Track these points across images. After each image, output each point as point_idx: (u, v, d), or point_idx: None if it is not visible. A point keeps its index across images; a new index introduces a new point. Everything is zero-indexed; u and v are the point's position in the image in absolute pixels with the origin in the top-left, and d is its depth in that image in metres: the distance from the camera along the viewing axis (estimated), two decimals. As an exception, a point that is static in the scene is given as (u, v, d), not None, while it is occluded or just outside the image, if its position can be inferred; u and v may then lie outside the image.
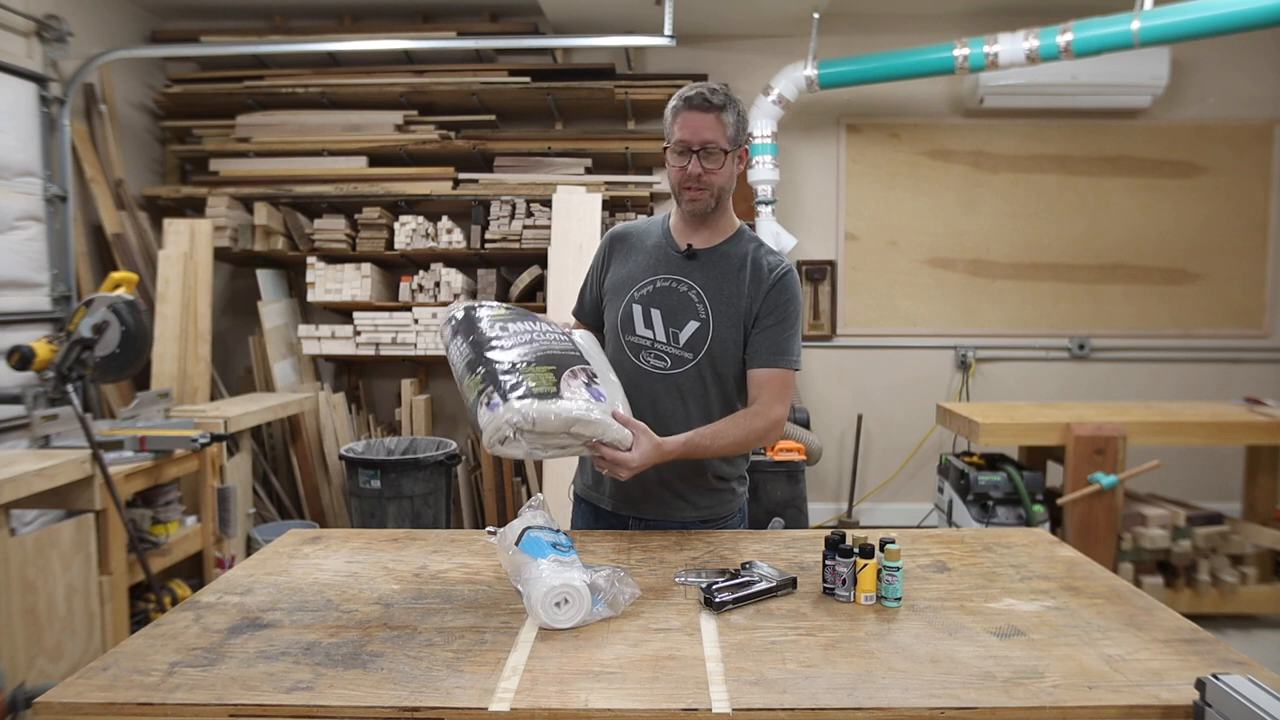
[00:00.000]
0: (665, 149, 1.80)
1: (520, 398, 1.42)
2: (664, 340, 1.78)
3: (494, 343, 1.54)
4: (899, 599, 1.42)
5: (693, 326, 1.77)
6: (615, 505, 1.86)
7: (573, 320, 1.99)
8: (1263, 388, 4.63)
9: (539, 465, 4.22)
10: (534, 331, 1.60)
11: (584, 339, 1.73)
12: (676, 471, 1.80)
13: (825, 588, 1.47)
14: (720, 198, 1.78)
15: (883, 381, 4.92)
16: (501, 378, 1.46)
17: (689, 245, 1.81)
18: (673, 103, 1.76)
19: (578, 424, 1.44)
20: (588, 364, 1.58)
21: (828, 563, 1.47)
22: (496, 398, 1.42)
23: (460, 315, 1.67)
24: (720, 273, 1.79)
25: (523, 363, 1.49)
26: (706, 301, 1.77)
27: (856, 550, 1.44)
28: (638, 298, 1.81)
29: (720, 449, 1.71)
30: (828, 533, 1.51)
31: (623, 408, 1.57)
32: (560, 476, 3.73)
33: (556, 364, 1.51)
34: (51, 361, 2.78)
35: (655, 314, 1.79)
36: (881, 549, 1.44)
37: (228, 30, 4.64)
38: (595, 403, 1.49)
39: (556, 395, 1.44)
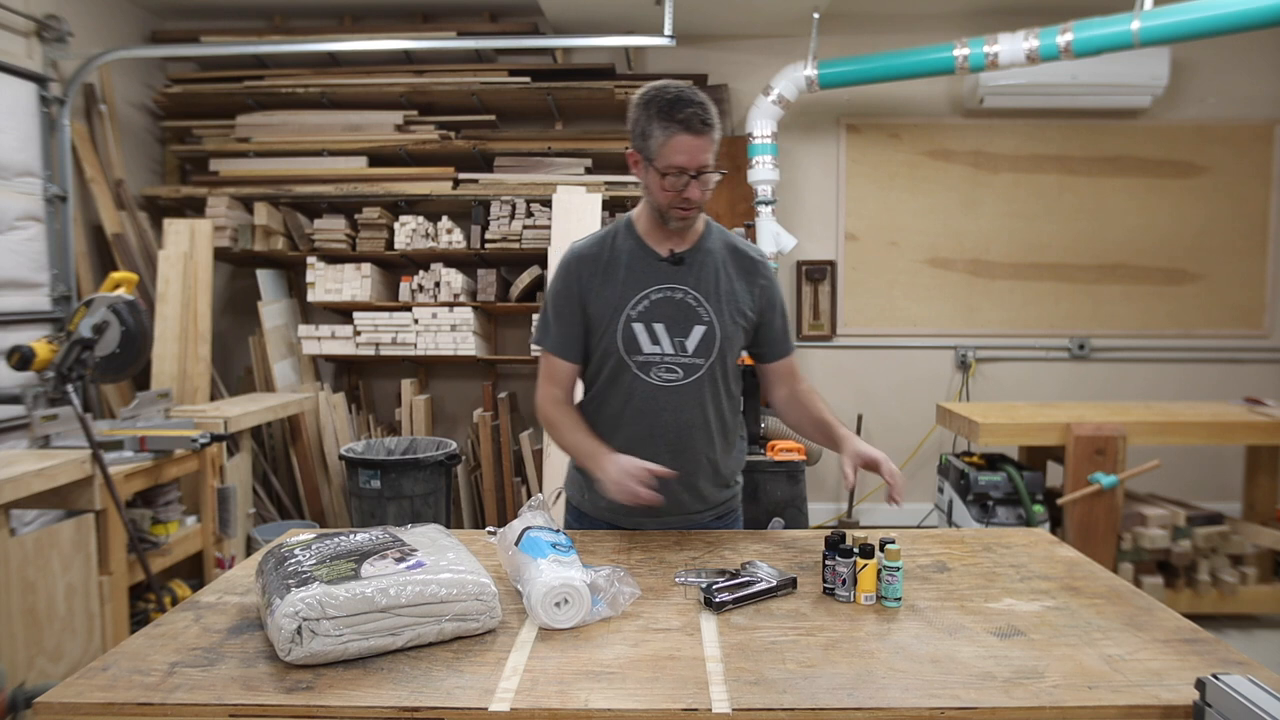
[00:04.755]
0: (644, 162, 1.67)
1: (303, 588, 1.23)
2: (672, 351, 1.75)
3: (286, 564, 1.34)
4: (899, 599, 1.42)
5: (699, 331, 1.75)
6: (637, 523, 1.84)
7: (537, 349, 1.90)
8: (1263, 388, 4.63)
9: (539, 465, 4.21)
10: (339, 542, 1.41)
11: (425, 531, 1.52)
12: (705, 475, 1.83)
13: (825, 588, 1.47)
14: (702, 209, 1.76)
15: (883, 381, 4.92)
16: (285, 583, 1.27)
17: (672, 251, 1.77)
18: (656, 120, 1.62)
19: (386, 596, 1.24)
20: (406, 544, 1.40)
21: (828, 563, 1.47)
22: (276, 600, 1.23)
23: (260, 560, 1.45)
24: (709, 272, 1.78)
25: (318, 564, 1.32)
26: (707, 305, 1.76)
27: (856, 550, 1.44)
28: (635, 315, 1.74)
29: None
30: (828, 533, 1.52)
31: (464, 566, 1.35)
32: (560, 476, 3.72)
33: (360, 555, 1.34)
34: (51, 361, 2.78)
35: (659, 328, 1.75)
36: (881, 549, 1.44)
37: (228, 30, 4.64)
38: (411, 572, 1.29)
39: (353, 577, 1.26)
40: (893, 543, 1.43)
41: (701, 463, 1.80)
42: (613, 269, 1.77)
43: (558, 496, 2.04)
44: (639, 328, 1.75)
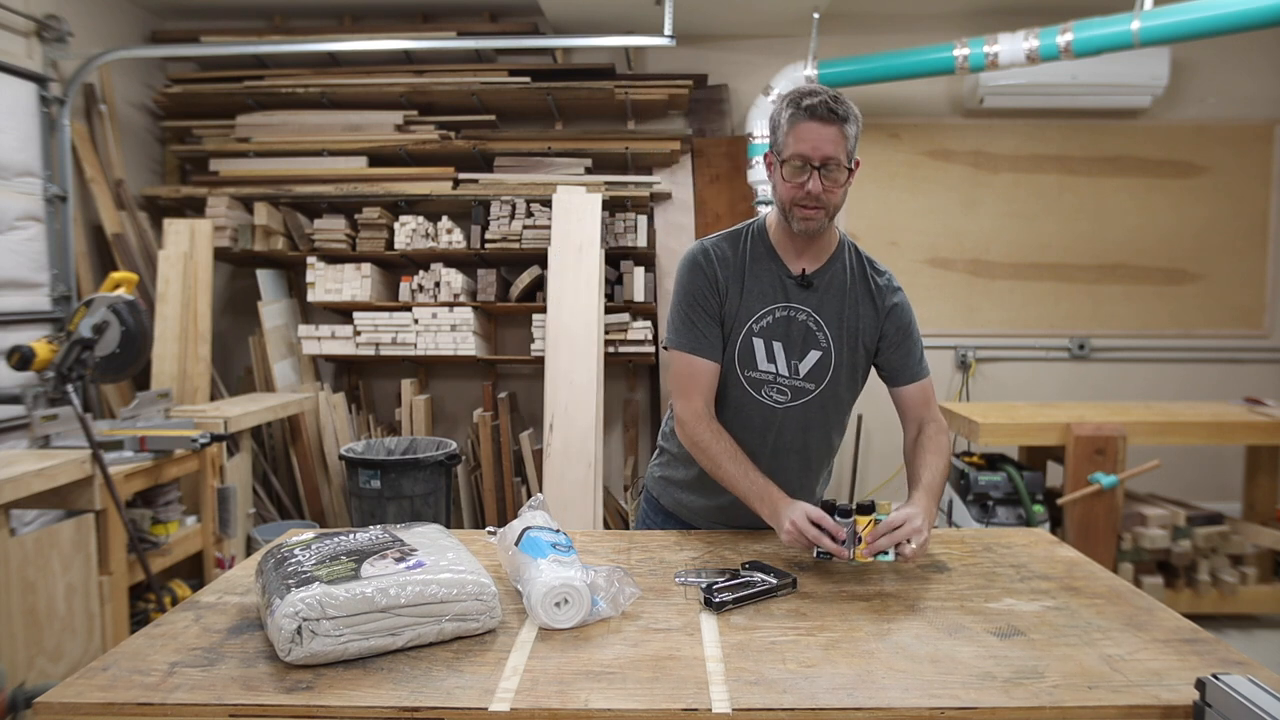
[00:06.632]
0: (775, 159, 1.63)
1: (303, 588, 1.22)
2: (786, 374, 1.71)
3: (286, 564, 1.33)
4: (891, 556, 1.48)
5: (814, 357, 1.71)
6: (713, 525, 1.87)
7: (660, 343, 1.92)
8: (1263, 388, 4.63)
9: (539, 465, 4.21)
10: (339, 542, 1.41)
11: (425, 531, 1.49)
12: (816, 477, 1.85)
13: (818, 553, 1.50)
14: (832, 215, 1.66)
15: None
16: (285, 583, 1.26)
17: (803, 271, 1.71)
18: (786, 109, 1.60)
19: (388, 594, 1.23)
20: (406, 544, 1.39)
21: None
22: (276, 600, 1.23)
23: (260, 560, 1.44)
24: (835, 296, 1.72)
25: (318, 564, 1.31)
26: (826, 330, 1.71)
27: (854, 508, 1.49)
28: (757, 330, 1.70)
29: (944, 482, 1.70)
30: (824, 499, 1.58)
31: (466, 566, 1.34)
32: (561, 475, 3.73)
33: (360, 555, 1.34)
34: (51, 361, 2.78)
35: (777, 346, 1.70)
36: (873, 508, 1.50)
37: (228, 30, 4.64)
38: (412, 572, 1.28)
39: (353, 577, 1.25)
40: (876, 500, 1.51)
41: (792, 488, 1.68)
42: (743, 275, 1.71)
43: (639, 491, 2.05)
44: (759, 343, 1.70)
